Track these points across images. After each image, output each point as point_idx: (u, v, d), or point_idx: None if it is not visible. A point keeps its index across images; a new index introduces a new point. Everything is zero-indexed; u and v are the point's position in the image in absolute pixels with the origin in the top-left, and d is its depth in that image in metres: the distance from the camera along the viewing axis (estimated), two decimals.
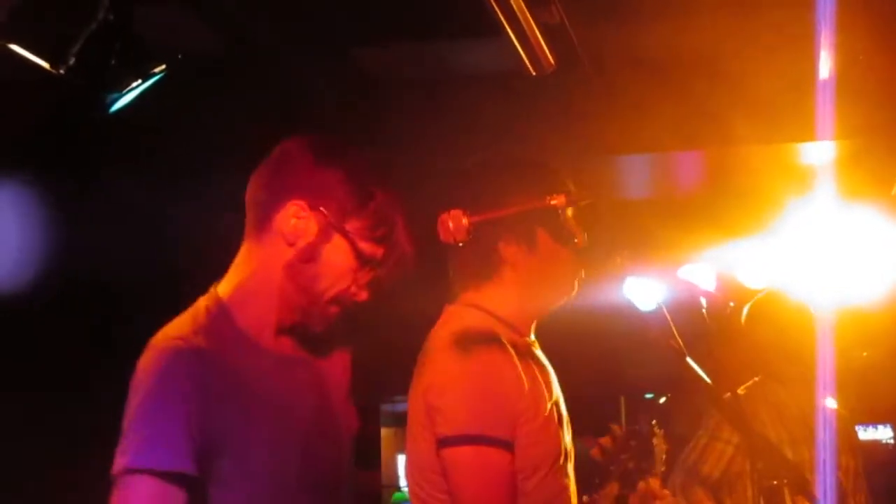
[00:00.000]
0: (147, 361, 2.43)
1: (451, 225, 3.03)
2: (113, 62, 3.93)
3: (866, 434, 5.81)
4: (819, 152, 5.03)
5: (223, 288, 2.59)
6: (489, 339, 2.94)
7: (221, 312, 2.56)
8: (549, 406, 3.01)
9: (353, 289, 2.57)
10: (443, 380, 2.92)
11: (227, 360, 2.51)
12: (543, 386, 3.01)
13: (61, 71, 3.83)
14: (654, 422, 3.36)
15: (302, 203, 2.52)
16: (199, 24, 4.60)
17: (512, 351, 2.93)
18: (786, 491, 3.08)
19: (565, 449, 2.97)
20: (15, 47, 3.80)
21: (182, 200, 3.68)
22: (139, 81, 3.94)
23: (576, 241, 3.02)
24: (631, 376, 5.15)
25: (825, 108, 4.00)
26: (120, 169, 4.57)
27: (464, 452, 2.85)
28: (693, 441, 4.47)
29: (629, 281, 3.56)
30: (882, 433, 5.82)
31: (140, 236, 4.52)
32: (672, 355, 3.11)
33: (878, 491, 4.71)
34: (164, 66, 3.94)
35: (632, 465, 2.81)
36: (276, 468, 2.53)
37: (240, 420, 2.48)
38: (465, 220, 3.02)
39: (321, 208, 2.53)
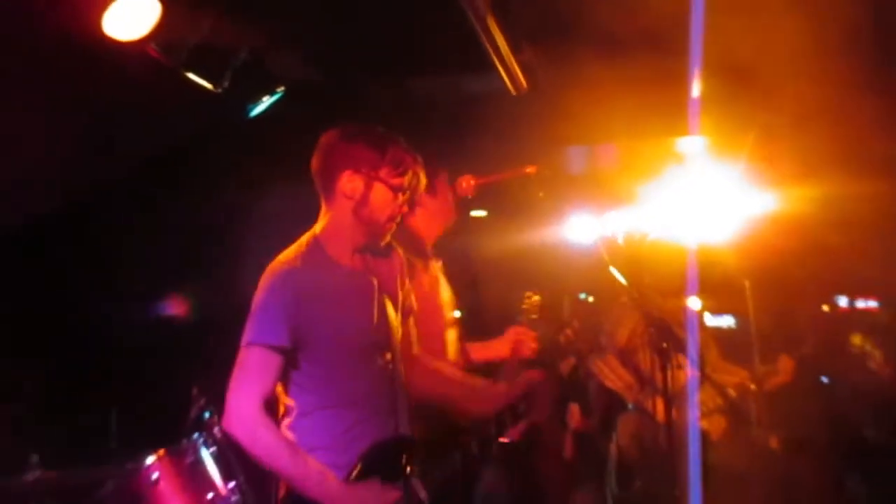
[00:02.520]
0: (264, 277, 2.76)
1: (464, 185, 3.49)
2: (250, 84, 4.20)
3: (716, 321, 5.89)
4: (691, 142, 5.06)
5: (317, 228, 2.89)
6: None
7: (315, 244, 2.85)
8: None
9: (398, 208, 2.87)
10: None
11: (316, 275, 2.78)
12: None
13: (219, 90, 4.08)
14: None
15: (349, 171, 2.82)
16: (301, 61, 4.78)
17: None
18: (672, 352, 3.20)
19: None
20: (192, 75, 4.01)
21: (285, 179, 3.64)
22: (267, 97, 4.23)
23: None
24: (572, 283, 5.11)
25: (694, 115, 4.21)
26: (249, 164, 4.78)
27: None
28: (608, 314, 4.69)
29: (573, 221, 3.82)
30: (726, 321, 5.93)
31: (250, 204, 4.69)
32: (600, 267, 3.33)
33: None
34: (283, 88, 4.23)
35: (584, 347, 3.18)
36: (346, 339, 2.79)
37: (323, 313, 2.75)
38: (472, 182, 3.48)
39: (361, 170, 2.81)
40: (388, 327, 2.87)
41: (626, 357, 4.68)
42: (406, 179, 2.86)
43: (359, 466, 2.71)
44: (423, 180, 2.96)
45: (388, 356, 2.85)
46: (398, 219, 2.89)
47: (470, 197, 3.51)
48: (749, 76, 4.54)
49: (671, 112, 4.48)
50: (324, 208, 2.90)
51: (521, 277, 3.85)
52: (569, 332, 3.29)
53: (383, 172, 2.82)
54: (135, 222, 4.81)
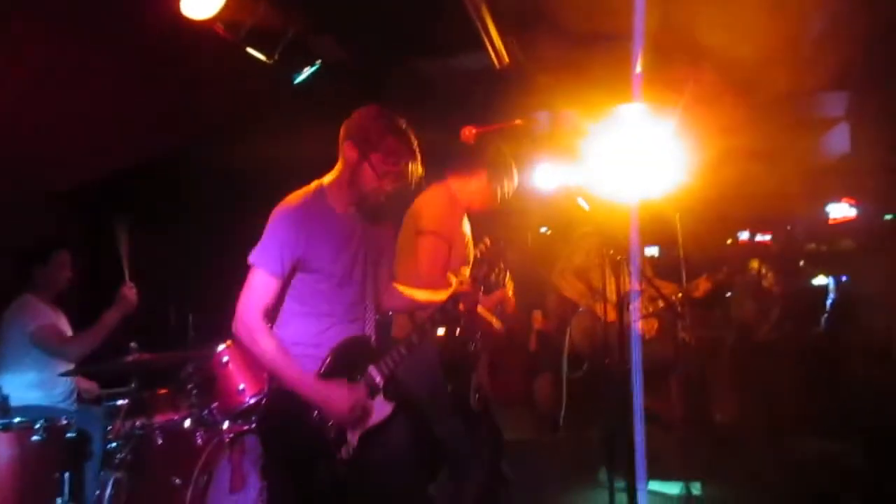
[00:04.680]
0: (274, 212, 2.83)
1: (467, 133, 3.56)
2: (295, 58, 4.46)
3: (648, 251, 6.23)
4: (632, 108, 4.52)
5: (325, 180, 2.94)
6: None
7: (320, 192, 2.90)
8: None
9: (382, 187, 2.87)
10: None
11: (316, 216, 2.84)
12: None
13: (270, 61, 4.36)
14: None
15: (350, 143, 2.86)
16: (333, 42, 4.83)
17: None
18: (623, 264, 3.33)
19: None
20: (250, 50, 4.27)
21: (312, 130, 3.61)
22: (308, 68, 4.50)
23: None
24: (535, 219, 5.15)
25: (637, 86, 4.07)
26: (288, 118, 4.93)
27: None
28: (569, 240, 5.02)
29: (539, 170, 4.00)
30: (653, 250, 6.25)
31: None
32: (561, 205, 3.51)
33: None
34: (320, 62, 4.49)
35: (495, 258, 3.19)
36: (337, 267, 2.88)
37: (319, 244, 2.83)
38: (473, 131, 3.58)
39: (359, 147, 2.84)
40: (363, 260, 2.98)
41: (580, 274, 5.02)
42: (398, 168, 2.89)
43: (328, 358, 2.87)
44: (420, 172, 2.94)
45: (361, 279, 2.97)
46: (382, 193, 2.91)
47: (471, 143, 3.55)
48: (680, 54, 4.72)
49: (617, 84, 4.34)
50: (337, 164, 3.00)
51: (500, 214, 3.91)
52: (485, 245, 3.18)
53: (374, 157, 2.86)
54: (208, 166, 5.04)
